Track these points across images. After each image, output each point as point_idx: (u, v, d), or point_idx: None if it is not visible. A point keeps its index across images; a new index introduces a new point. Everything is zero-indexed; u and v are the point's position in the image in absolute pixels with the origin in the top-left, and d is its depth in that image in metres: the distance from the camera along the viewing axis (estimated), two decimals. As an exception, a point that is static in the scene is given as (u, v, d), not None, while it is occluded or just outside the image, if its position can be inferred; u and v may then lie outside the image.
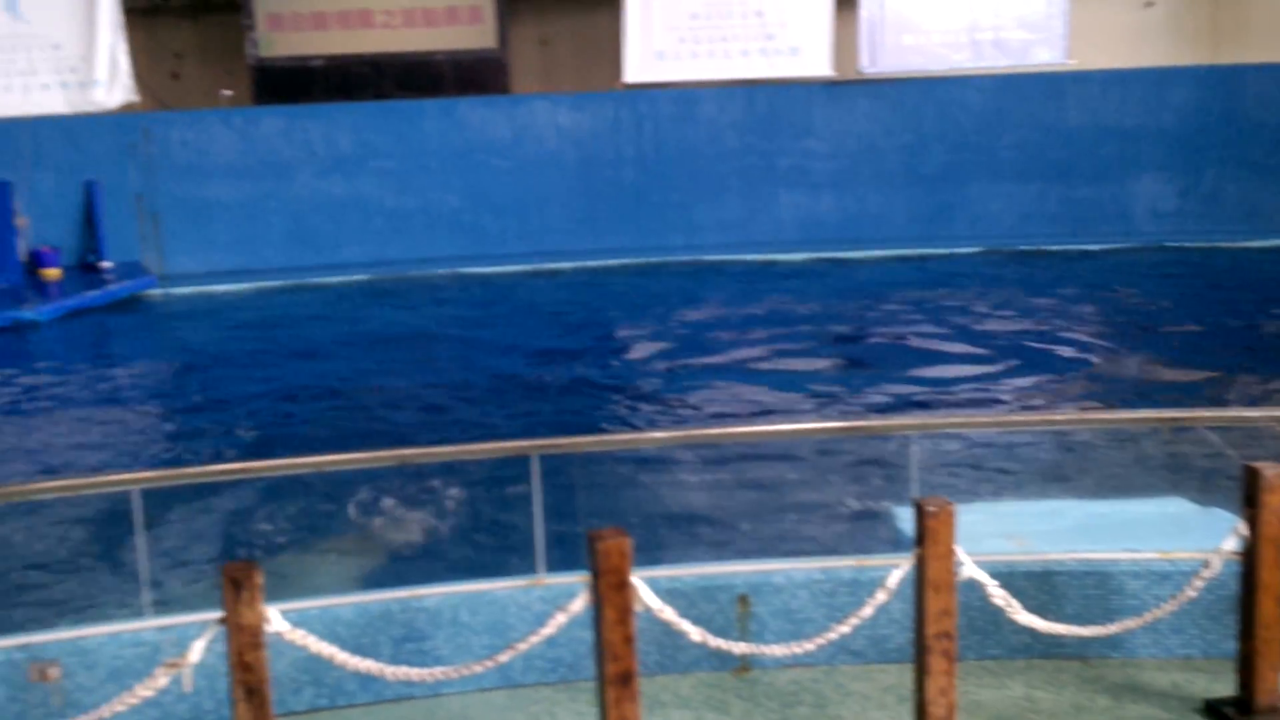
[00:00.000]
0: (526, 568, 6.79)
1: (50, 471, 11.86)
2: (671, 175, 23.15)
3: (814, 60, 22.91)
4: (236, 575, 5.28)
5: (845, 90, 23.37)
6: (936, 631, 5.69)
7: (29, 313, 18.72)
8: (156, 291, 20.77)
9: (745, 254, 22.52)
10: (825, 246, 22.81)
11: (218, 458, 11.71)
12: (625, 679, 5.54)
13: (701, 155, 23.18)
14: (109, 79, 21.90)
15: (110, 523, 9.65)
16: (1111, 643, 6.67)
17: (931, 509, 5.66)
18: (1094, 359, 15.40)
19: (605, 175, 23.06)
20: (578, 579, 6.61)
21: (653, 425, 12.97)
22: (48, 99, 21.75)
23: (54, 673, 6.16)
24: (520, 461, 6.79)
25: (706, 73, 22.98)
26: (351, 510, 10.00)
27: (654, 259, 22.35)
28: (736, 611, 6.76)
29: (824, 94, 23.35)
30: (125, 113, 22.12)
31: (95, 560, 9.45)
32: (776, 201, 23.41)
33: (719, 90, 23.25)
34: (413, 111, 22.80)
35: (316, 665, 6.39)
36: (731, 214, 23.31)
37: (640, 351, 16.59)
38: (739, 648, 6.04)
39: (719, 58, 22.89)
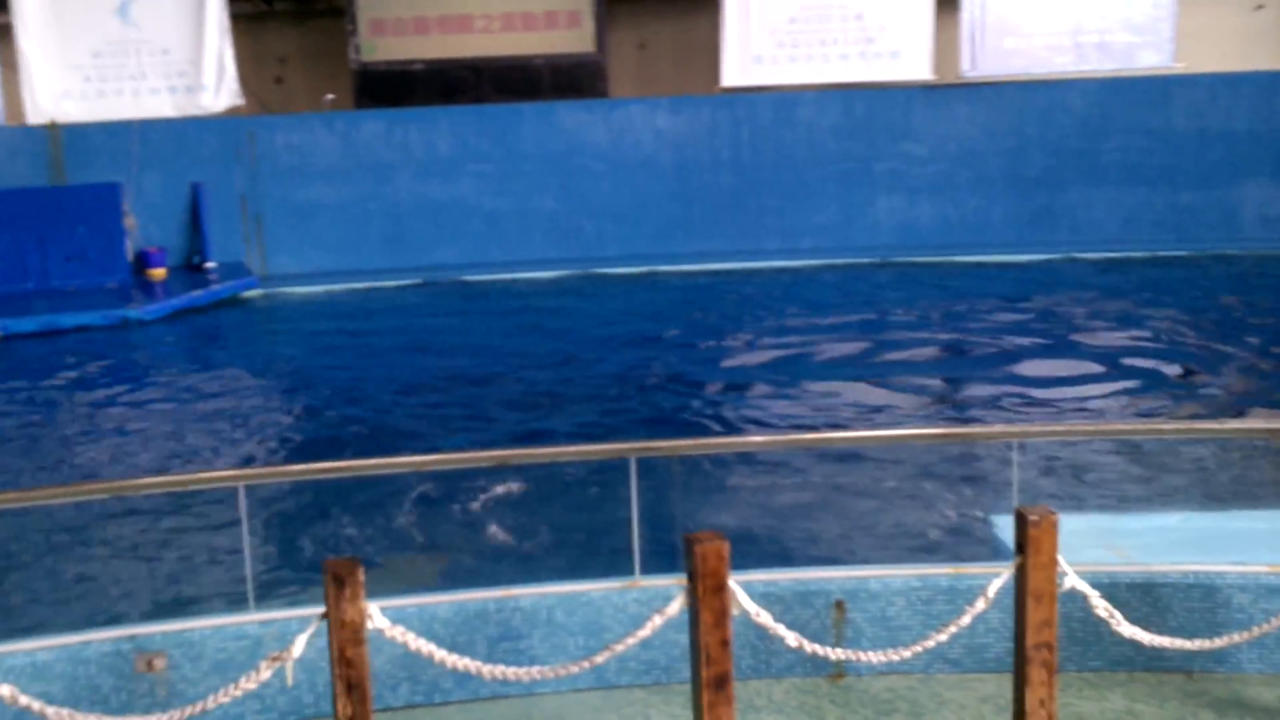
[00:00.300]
0: (622, 569, 6.80)
1: (155, 467, 12.09)
2: (768, 179, 23.09)
3: (914, 64, 22.73)
4: (339, 571, 5.34)
5: (945, 94, 23.15)
6: (1037, 642, 5.61)
7: (135, 311, 19.13)
8: (258, 291, 21.11)
9: (841, 258, 22.39)
10: (922, 251, 22.63)
11: (320, 455, 11.85)
12: (721, 683, 5.53)
13: (798, 159, 23.09)
14: (215, 83, 22.34)
15: (216, 518, 9.83)
16: (1217, 657, 6.54)
17: (1034, 518, 5.58)
18: (1198, 368, 15.10)
19: (702, 179, 23.05)
20: (673, 582, 6.62)
21: (748, 429, 12.93)
22: (156, 103, 22.24)
23: (159, 664, 6.28)
24: (618, 464, 6.81)
25: (805, 77, 22.91)
26: (451, 509, 10.09)
27: (749, 263, 22.30)
28: (832, 617, 6.72)
29: (923, 97, 23.15)
30: (231, 116, 22.53)
31: (200, 554, 9.63)
32: (873, 206, 23.26)
33: (817, 94, 23.15)
34: (511, 115, 22.97)
35: (414, 662, 6.46)
36: (828, 218, 23.20)
37: (735, 355, 16.56)
38: (835, 654, 6.00)
39: (817, 61, 22.80)
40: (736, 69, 22.78)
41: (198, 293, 20.33)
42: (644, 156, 22.99)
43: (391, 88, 23.77)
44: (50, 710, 5.20)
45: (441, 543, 9.60)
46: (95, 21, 21.93)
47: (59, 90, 21.88)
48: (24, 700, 5.16)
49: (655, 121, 23.04)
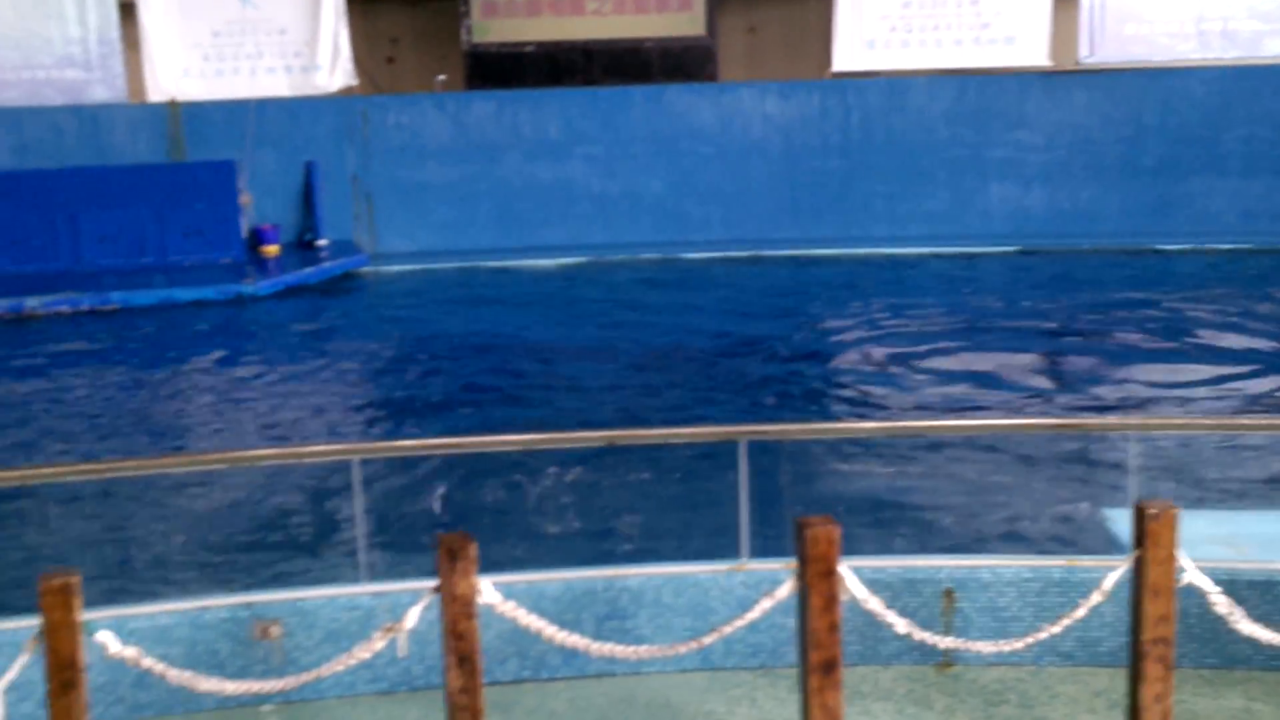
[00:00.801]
0: (730, 552, 6.81)
1: (269, 440, 12.32)
2: (877, 165, 22.87)
3: (1030, 50, 22.36)
4: (452, 546, 5.41)
5: (1061, 80, 22.74)
6: (1153, 637, 5.52)
7: (249, 287, 19.48)
8: (368, 269, 21.38)
9: (950, 246, 22.12)
10: (1035, 240, 22.26)
11: (430, 430, 11.99)
12: (829, 667, 5.51)
13: (909, 145, 22.84)
14: (330, 63, 22.65)
15: (331, 491, 9.99)
16: (1339, 658, 6.38)
17: (1154, 511, 5.48)
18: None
19: (810, 164, 22.90)
20: (782, 565, 6.60)
21: (856, 416, 12.85)
22: (273, 82, 22.60)
23: (275, 631, 6.41)
24: (727, 447, 6.81)
25: (918, 62, 22.64)
26: (559, 488, 10.16)
27: (857, 250, 22.12)
28: (941, 606, 6.67)
29: (1039, 84, 22.76)
30: (344, 96, 22.82)
31: (316, 526, 9.80)
32: (985, 194, 22.93)
33: (929, 79, 22.86)
34: (620, 98, 22.98)
35: (522, 637, 6.51)
36: (938, 206, 22.93)
37: (842, 342, 16.46)
38: (945, 642, 5.96)
39: (930, 47, 22.52)
40: (848, 53, 22.58)
41: (309, 270, 20.63)
42: (752, 141, 22.88)
43: (502, 69, 23.92)
44: (172, 672, 5.33)
45: (549, 521, 9.68)
46: (215, 2, 22.33)
47: (179, 69, 22.32)
48: (147, 662, 5.30)
49: (764, 106, 22.92)
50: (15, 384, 14.95)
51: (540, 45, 23.98)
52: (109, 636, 5.21)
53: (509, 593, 5.87)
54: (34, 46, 21.89)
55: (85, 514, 10.22)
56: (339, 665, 5.55)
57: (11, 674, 5.12)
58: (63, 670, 5.00)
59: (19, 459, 11.96)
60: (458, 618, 5.42)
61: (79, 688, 5.02)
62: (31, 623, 5.73)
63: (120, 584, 8.66)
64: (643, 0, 23.77)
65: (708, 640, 5.80)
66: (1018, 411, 12.78)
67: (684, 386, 14.02)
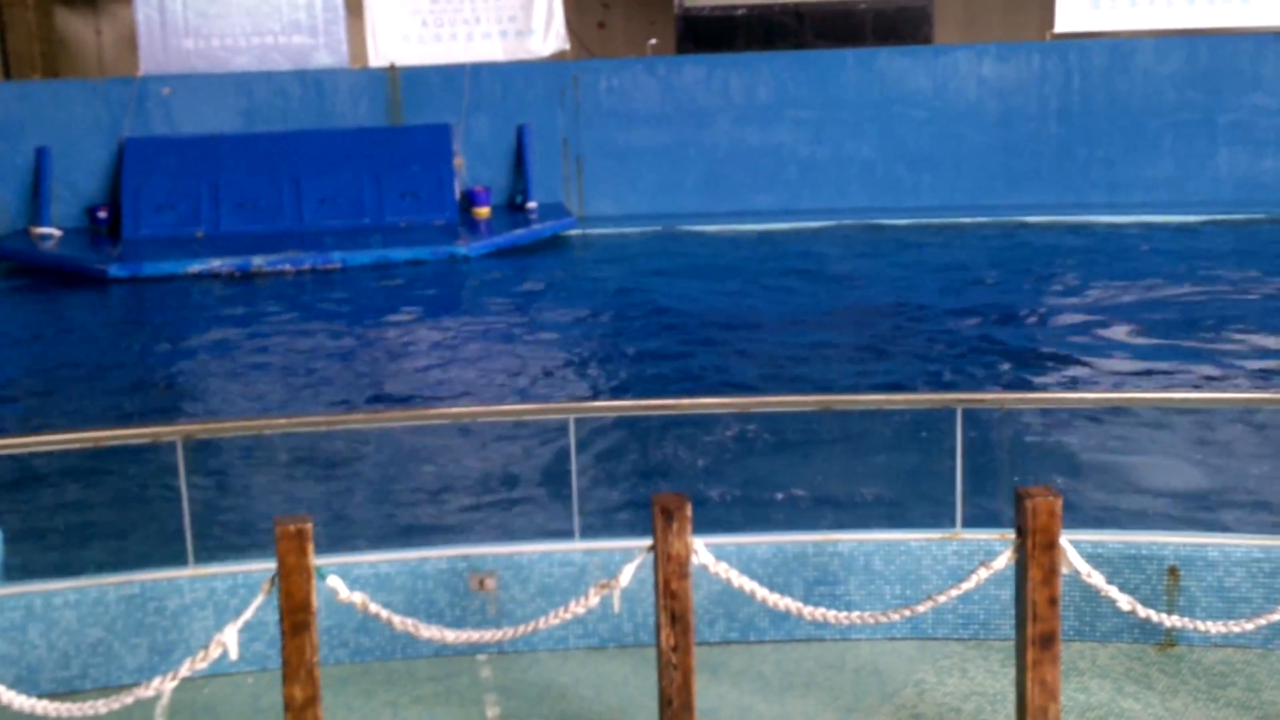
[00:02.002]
0: (943, 521, 6.71)
1: (487, 398, 12.57)
2: (1098, 130, 22.13)
3: (1268, 7, 21.32)
4: (668, 506, 5.46)
5: (1300, 40, 21.65)
6: (1397, 624, 5.25)
7: (462, 248, 19.91)
8: (576, 232, 21.63)
9: (1174, 214, 21.30)
10: (1267, 209, 21.28)
11: (642, 391, 12.10)
12: (1047, 641, 5.40)
13: (1133, 109, 22.03)
14: (544, 28, 22.93)
15: (547, 448, 10.17)
16: None
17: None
18: None
19: (1027, 129, 22.29)
20: (997, 536, 6.50)
21: (1071, 386, 12.51)
22: (488, 46, 23.00)
23: (491, 584, 6.56)
24: (942, 414, 6.71)
25: (1145, 22, 21.80)
26: (774, 451, 10.15)
27: (1074, 217, 21.48)
28: (1164, 583, 6.47)
29: (1276, 45, 21.70)
30: (556, 60, 23.07)
31: (532, 482, 10.00)
32: (1214, 160, 21.99)
33: (1157, 40, 22.00)
34: (832, 61, 22.71)
35: (731, 599, 6.55)
36: (1161, 172, 22.09)
37: (1057, 311, 16.02)
38: (1169, 621, 5.78)
39: (1160, 6, 21.67)
40: (1072, 14, 21.89)
41: (520, 231, 20.97)
42: (967, 104, 22.38)
43: (713, 33, 23.86)
44: (397, 619, 5.50)
45: (760, 484, 9.68)
46: (434, -32, 22.81)
47: (399, 34, 22.86)
48: (373, 608, 5.48)
49: (981, 68, 22.38)
50: (244, 338, 15.59)
51: (752, 8, 23.83)
52: (339, 582, 5.40)
53: (719, 554, 5.90)
54: (263, 14, 22.69)
55: (311, 464, 10.62)
56: (555, 619, 5.65)
57: (247, 614, 5.35)
58: (295, 612, 5.20)
59: (249, 409, 12.49)
60: (671, 577, 5.47)
61: (310, 630, 5.22)
62: (265, 566, 6.00)
63: (340, 532, 8.98)
64: (857, -39, 23.44)
65: (921, 608, 5.74)
66: (1246, 386, 12.27)
67: (897, 353, 13.82)
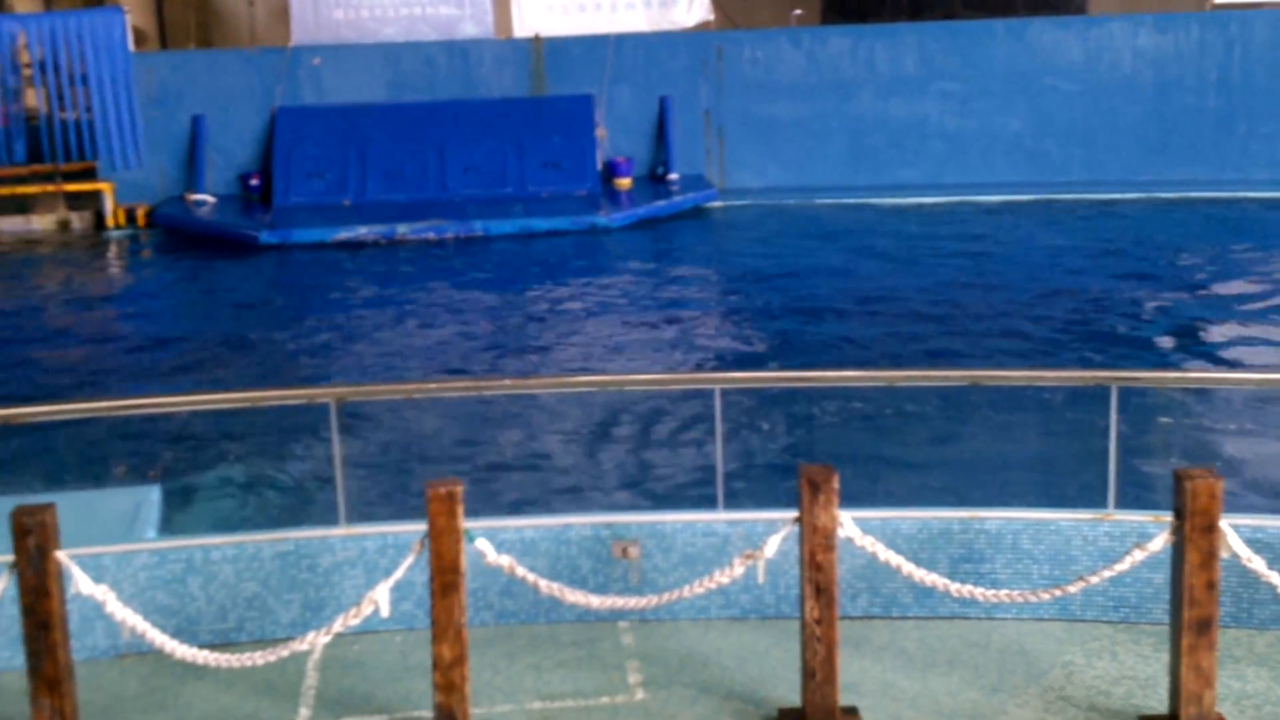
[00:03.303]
0: (1094, 501, 6.57)
1: (632, 367, 12.60)
2: (1260, 104, 21.42)
3: None
4: (815, 478, 5.42)
5: None
6: None
7: (603, 219, 19.99)
8: (717, 204, 21.57)
9: (1338, 192, 20.56)
10: None
11: (784, 363, 12.05)
12: (1204, 626, 5.27)
13: (1297, 82, 21.28)
14: (688, -1, 22.90)
15: (691, 417, 10.18)
16: None
17: None
18: None
19: (1184, 102, 21.66)
20: (1151, 518, 6.34)
21: (1230, 366, 12.15)
22: (632, 17, 23.03)
23: (634, 551, 6.58)
24: (1095, 392, 6.56)
25: (1312, -9, 21.05)
26: (918, 425, 10.04)
27: (1232, 193, 20.82)
28: (1327, 572, 6.25)
29: None
30: (699, 31, 23.00)
31: (684, 451, 10.01)
32: (1381, 135, 21.18)
33: (1325, 10, 21.24)
34: (981, 32, 22.31)
35: (874, 573, 6.49)
36: (1325, 148, 21.32)
37: (1214, 290, 15.57)
38: (1332, 610, 5.59)
39: (1328, -25, 20.90)
40: (1232, -17, 21.21)
41: (660, 203, 20.98)
42: (1121, 77, 21.82)
43: (860, 3, 23.60)
44: (543, 583, 5.56)
45: (905, 458, 9.58)
46: (580, -61, 22.90)
47: (544, 5, 23.00)
48: (520, 572, 5.55)
49: (1136, 39, 21.78)
50: (392, 304, 15.86)
51: (901, -22, 23.54)
52: (487, 545, 5.47)
53: (864, 528, 5.85)
54: (411, -16, 22.99)
55: (459, 427, 10.78)
56: (699, 588, 5.66)
57: (398, 574, 5.45)
58: (445, 573, 5.28)
59: (401, 372, 12.71)
60: (817, 549, 5.44)
61: (459, 591, 5.30)
62: (414, 527, 6.10)
63: (487, 495, 9.10)
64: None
65: (1073, 588, 5.63)
66: None
67: (1047, 328, 13.56)
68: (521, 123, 22.19)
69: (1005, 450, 9.64)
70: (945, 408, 10.25)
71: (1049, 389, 9.40)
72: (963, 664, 6.15)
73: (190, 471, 9.99)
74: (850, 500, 5.76)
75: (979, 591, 5.64)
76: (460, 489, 5.32)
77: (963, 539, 6.58)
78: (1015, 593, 5.77)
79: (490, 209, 20.60)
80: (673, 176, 22.33)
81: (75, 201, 21.73)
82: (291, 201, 21.37)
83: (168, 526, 7.86)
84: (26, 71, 21.50)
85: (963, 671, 6.08)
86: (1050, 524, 6.55)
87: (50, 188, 21.53)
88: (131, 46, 21.79)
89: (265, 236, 19.56)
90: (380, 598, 5.39)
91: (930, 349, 12.74)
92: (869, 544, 5.58)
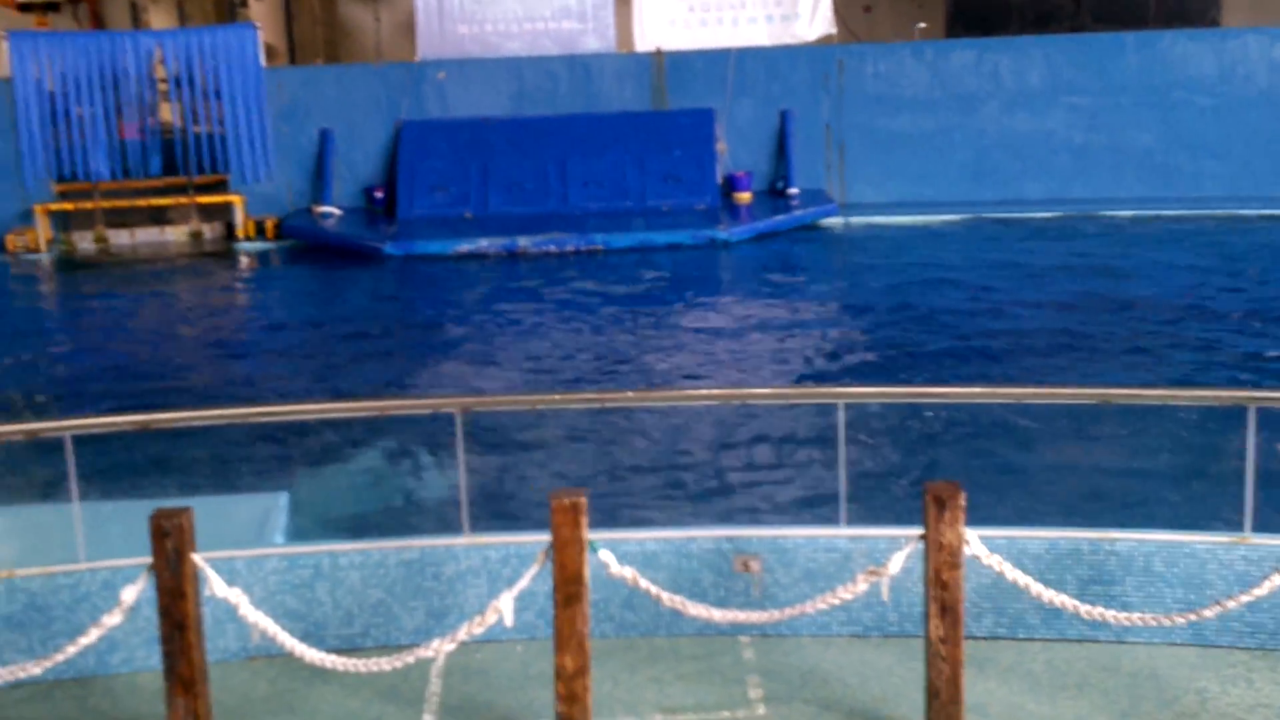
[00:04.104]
0: (1229, 524, 6.40)
1: (748, 381, 12.57)
2: (1402, 117, 20.78)
3: None
4: (941, 495, 5.35)
5: None
6: None
7: (723, 233, 19.97)
8: (836, 219, 21.43)
9: None
10: None
11: (908, 379, 11.92)
12: (1347, 656, 5.10)
13: None
14: (810, 12, 22.81)
15: (815, 433, 10.11)
16: None
17: None
18: None
19: (1322, 116, 21.09)
20: (1290, 542, 6.16)
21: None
22: (753, 31, 23.01)
23: (755, 566, 6.55)
24: (1229, 412, 6.39)
25: None
26: (1043, 443, 9.88)
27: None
28: None
29: None
30: (821, 45, 22.90)
31: (801, 468, 9.96)
32: None
33: None
34: (1111, 45, 21.91)
35: (1001, 592, 6.38)
36: None
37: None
38: None
39: None
40: (1373, -6, 20.60)
41: (780, 217, 20.91)
42: (1257, 91, 21.30)
43: (985, 16, 23.35)
44: (665, 596, 5.56)
45: (1033, 475, 9.42)
46: (703, -46, 22.94)
47: (666, 19, 23.08)
48: (643, 584, 5.55)
49: (1273, 52, 21.25)
50: (514, 316, 15.99)
51: (1026, -9, 23.23)
52: (610, 556, 5.48)
53: (990, 547, 5.76)
54: (535, 1, 23.20)
55: (577, 438, 10.83)
56: (821, 604, 5.61)
57: (522, 583, 5.48)
58: (569, 584, 5.30)
59: (519, 383, 12.81)
60: (943, 567, 5.37)
61: (583, 601, 5.31)
62: (536, 538, 6.14)
63: (607, 507, 9.11)
64: (1141, -59, 22.57)
65: (1209, 613, 5.49)
66: None
67: (1180, 347, 13.25)
68: (642, 136, 22.28)
69: (1137, 471, 9.42)
70: (1075, 426, 10.06)
71: (1183, 408, 9.19)
72: (1092, 688, 6.02)
73: (318, 477, 10.16)
74: (975, 518, 5.68)
75: (1110, 614, 5.52)
76: (584, 500, 5.34)
77: (1092, 560, 6.44)
78: (1148, 616, 5.64)
79: (610, 222, 20.69)
80: (793, 191, 22.25)
81: (207, 213, 22.30)
82: (415, 214, 21.68)
83: (295, 531, 8.00)
84: (162, 87, 22.11)
85: (1092, 696, 5.95)
86: (1184, 546, 6.38)
87: (184, 200, 22.11)
88: (263, 62, 22.30)
89: (389, 248, 19.86)
90: (504, 607, 5.42)
91: (1057, 365, 12.52)
92: (996, 563, 5.49)
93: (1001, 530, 6.51)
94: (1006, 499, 9.05)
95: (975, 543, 5.45)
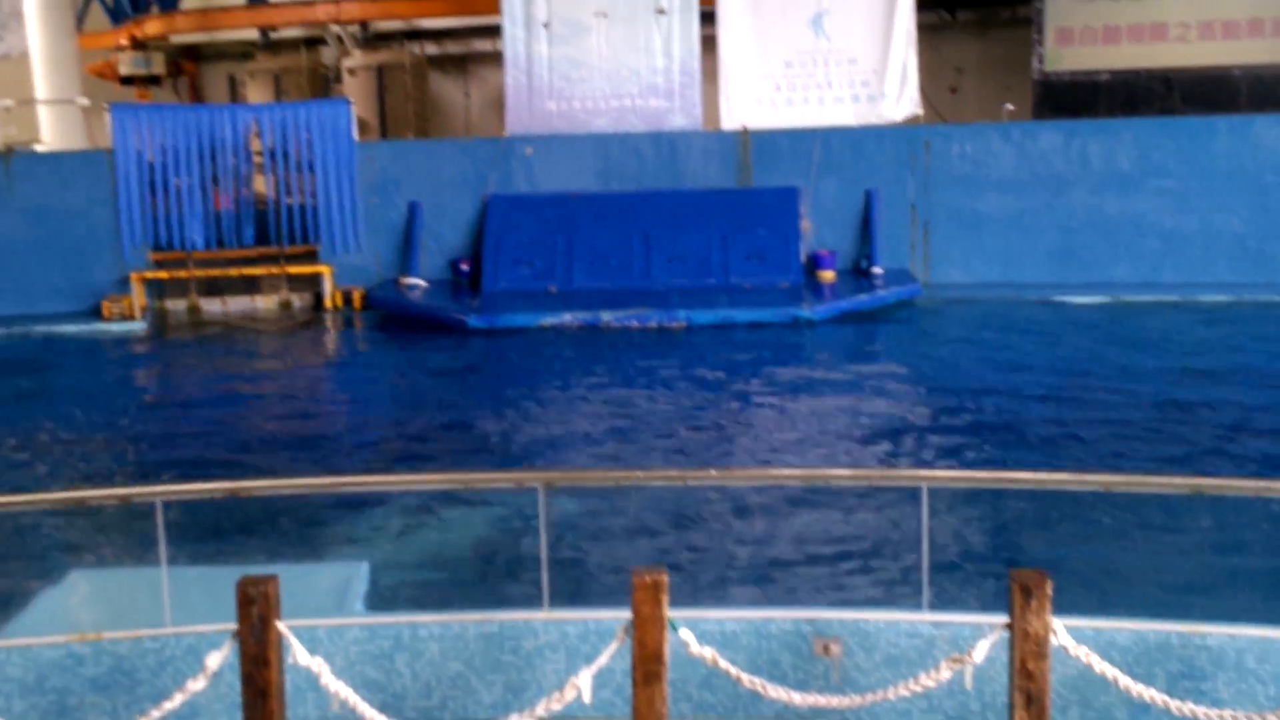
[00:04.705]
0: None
1: (831, 461, 12.49)
2: None
3: None
4: (1028, 583, 5.28)
5: None
6: None
7: (806, 311, 19.94)
8: (921, 299, 21.34)
9: None
10: None
11: (992, 463, 11.79)
12: None
13: None
14: (897, 92, 22.88)
15: (898, 514, 10.01)
16: None
17: None
18: None
19: None
20: (1389, 640, 6.00)
21: None
22: (840, 111, 23.11)
23: (835, 649, 6.49)
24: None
25: None
26: (1132, 533, 9.71)
27: None
28: None
29: None
30: (907, 125, 22.94)
31: (878, 549, 9.87)
32: None
33: None
34: (1201, 129, 21.74)
35: (1087, 685, 6.27)
36: None
37: None
38: None
39: None
40: None
41: (864, 297, 20.85)
42: (1352, 175, 20.99)
43: (1073, 98, 23.26)
44: (745, 677, 5.52)
45: (1121, 565, 9.25)
46: (790, 34, 23.11)
47: (753, 98, 23.26)
48: (723, 664, 5.52)
49: (1367, 137, 20.98)
50: (597, 391, 16.05)
51: (1116, 73, 23.13)
52: (690, 635, 5.46)
53: (1077, 637, 5.66)
54: (622, 77, 23.50)
55: (662, 516, 10.81)
56: (904, 690, 5.55)
57: (602, 660, 5.48)
58: (648, 662, 5.28)
59: (601, 459, 12.82)
60: (1028, 657, 5.29)
61: (662, 680, 5.30)
62: (615, 614, 6.13)
63: (684, 586, 9.07)
64: (1233, 25, 22.39)
65: (1303, 713, 5.34)
66: None
67: (1276, 440, 12.99)
68: (727, 214, 22.38)
69: (1230, 564, 9.22)
70: (1165, 517, 9.88)
71: (1277, 500, 8.99)
72: (1181, 786, 5.87)
73: (396, 549, 10.22)
74: (1061, 608, 5.58)
75: (1200, 710, 5.40)
76: (665, 578, 5.33)
77: (1182, 654, 6.31)
78: (1240, 714, 5.50)
79: (693, 298, 20.74)
80: (877, 270, 22.20)
81: (296, 283, 22.70)
82: (500, 287, 21.90)
83: (373, 603, 8.04)
84: (258, 159, 22.62)
85: (1180, 794, 5.80)
86: (1278, 643, 6.24)
87: (275, 270, 22.53)
88: (356, 136, 22.76)
89: (473, 321, 20.05)
90: (583, 684, 5.41)
91: (1149, 455, 12.31)
92: (1083, 654, 5.40)
93: (1089, 620, 6.41)
94: (1093, 589, 8.89)
95: (1062, 633, 5.37)
